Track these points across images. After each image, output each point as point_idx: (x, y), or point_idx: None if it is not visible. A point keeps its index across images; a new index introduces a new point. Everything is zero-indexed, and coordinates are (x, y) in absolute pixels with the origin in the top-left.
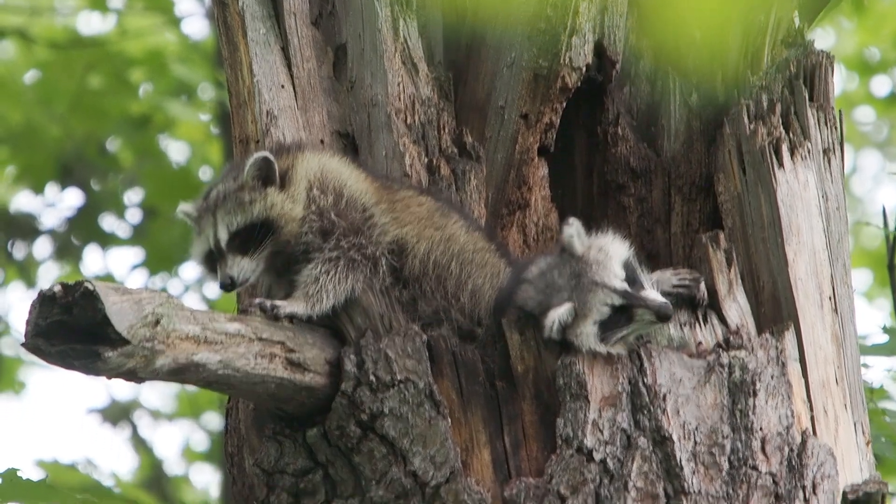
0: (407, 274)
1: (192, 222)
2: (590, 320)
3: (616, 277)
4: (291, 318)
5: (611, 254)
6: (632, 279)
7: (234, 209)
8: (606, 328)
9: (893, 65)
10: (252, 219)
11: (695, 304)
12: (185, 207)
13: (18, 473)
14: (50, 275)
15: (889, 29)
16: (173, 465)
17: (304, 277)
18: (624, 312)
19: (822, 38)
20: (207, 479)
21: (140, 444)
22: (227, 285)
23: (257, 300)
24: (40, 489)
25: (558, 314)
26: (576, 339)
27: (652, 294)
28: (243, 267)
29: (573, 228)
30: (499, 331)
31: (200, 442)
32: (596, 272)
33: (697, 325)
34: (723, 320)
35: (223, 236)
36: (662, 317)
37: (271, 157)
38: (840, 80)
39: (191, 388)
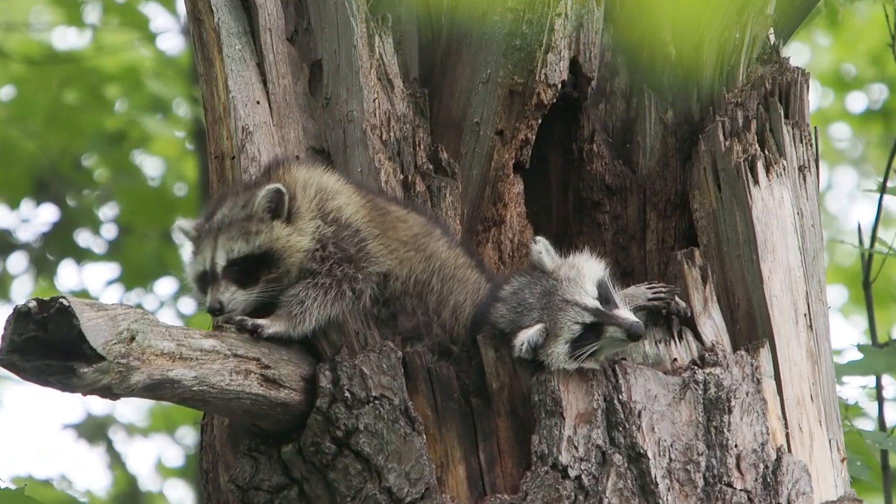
0: (388, 295)
1: (190, 240)
2: (561, 340)
3: (587, 295)
4: (272, 338)
5: (583, 272)
6: (605, 298)
7: (237, 236)
8: (576, 346)
9: (869, 81)
10: (254, 249)
11: (672, 316)
12: (183, 224)
13: None
14: (25, 290)
15: (865, 45)
16: (148, 480)
17: (290, 298)
18: (594, 330)
19: (798, 54)
20: (182, 495)
21: (115, 460)
22: (216, 310)
23: (238, 318)
24: (17, 500)
25: (528, 335)
26: (546, 358)
27: (624, 313)
28: (236, 297)
29: (541, 245)
30: (474, 347)
31: (175, 457)
32: (567, 290)
33: (672, 341)
34: (698, 337)
35: (220, 261)
36: (633, 336)
37: (284, 190)
38: (815, 97)
39: (165, 403)
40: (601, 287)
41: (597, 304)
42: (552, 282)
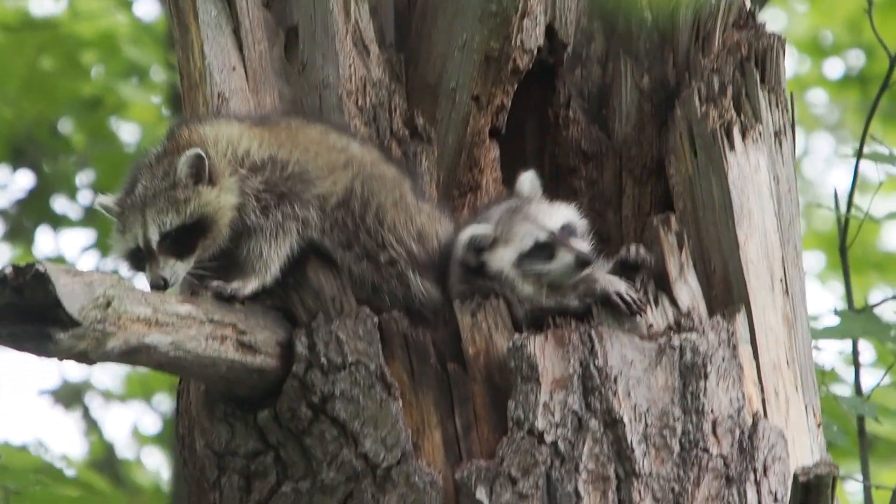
0: (329, 208)
1: (114, 216)
2: (511, 248)
3: (550, 220)
4: (247, 297)
5: (558, 207)
6: (568, 232)
7: (166, 208)
8: (524, 260)
9: (846, 48)
10: (185, 219)
11: (631, 265)
12: (103, 200)
13: None
14: (1, 256)
15: (842, 11)
16: (125, 446)
17: (248, 257)
18: (545, 251)
19: (774, 20)
20: (158, 461)
21: (92, 426)
22: (160, 286)
23: (214, 283)
24: None
25: (473, 229)
26: (490, 259)
27: (580, 244)
28: (176, 270)
29: (530, 174)
30: (450, 312)
31: (152, 424)
32: (532, 211)
33: (648, 307)
34: (674, 303)
35: (154, 236)
36: (581, 264)
37: (203, 155)
38: (792, 63)
39: (142, 369)
40: (568, 226)
41: (556, 228)
42: (522, 203)
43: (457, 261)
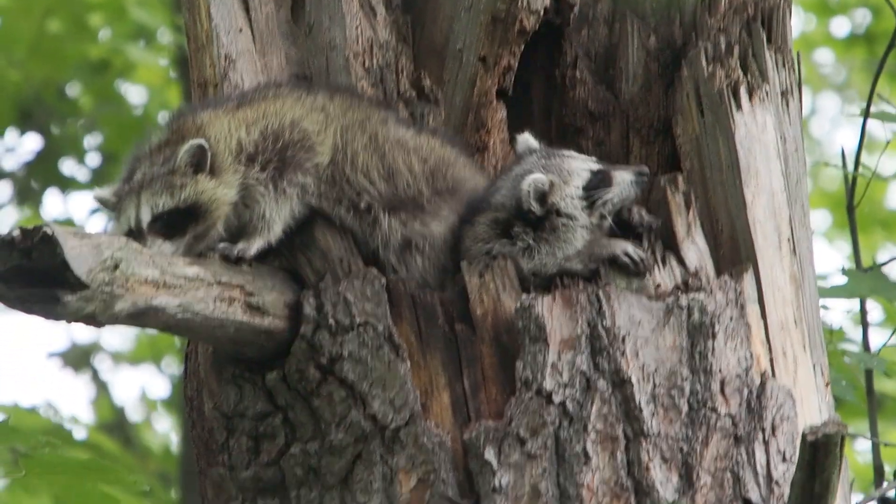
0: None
1: (109, 208)
2: (572, 184)
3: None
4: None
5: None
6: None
7: (161, 191)
8: (589, 192)
9: (852, 6)
10: (179, 203)
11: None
12: (100, 193)
13: None
14: (10, 219)
15: None
16: (134, 409)
17: (253, 217)
18: (601, 177)
19: None
20: (168, 423)
21: (101, 388)
22: None
23: (221, 245)
24: (1, 430)
25: (533, 178)
26: (562, 203)
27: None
28: (163, 250)
29: (527, 135)
30: (458, 273)
31: (161, 387)
32: (564, 151)
33: (656, 267)
34: (681, 262)
35: (145, 217)
36: (640, 174)
37: (206, 146)
38: (799, 22)
39: (151, 331)
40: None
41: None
42: (541, 152)
43: (501, 213)
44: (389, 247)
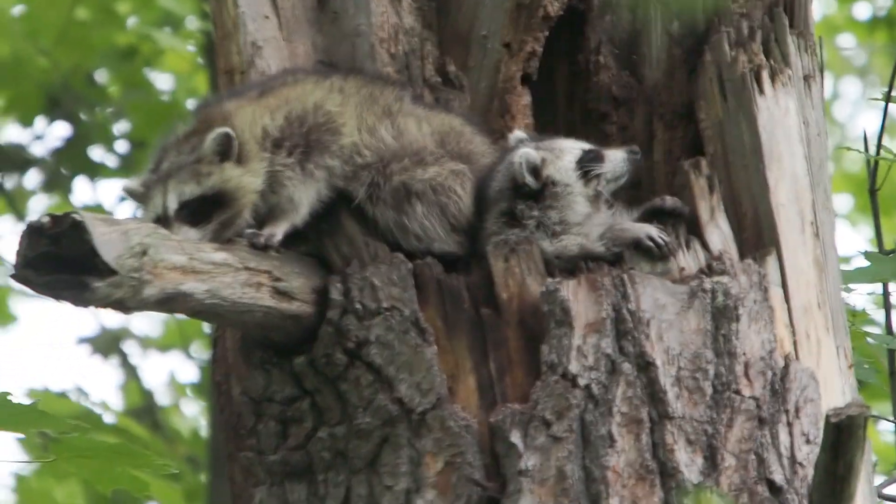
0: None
1: (138, 198)
2: (564, 158)
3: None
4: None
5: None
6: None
7: (188, 179)
8: (583, 165)
9: None
10: (205, 190)
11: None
12: (129, 184)
13: (9, 398)
14: (40, 206)
15: None
16: (163, 394)
17: (280, 201)
18: (593, 155)
19: None
20: (197, 408)
21: (131, 373)
22: None
23: (248, 232)
24: (31, 414)
25: (522, 152)
26: (557, 174)
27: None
28: (190, 237)
29: (516, 131)
30: (483, 258)
31: (190, 371)
32: (554, 142)
33: (680, 250)
34: (705, 246)
35: (172, 204)
36: (632, 152)
37: (232, 134)
38: (820, 6)
39: (179, 316)
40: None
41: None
42: (537, 137)
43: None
44: (385, 196)
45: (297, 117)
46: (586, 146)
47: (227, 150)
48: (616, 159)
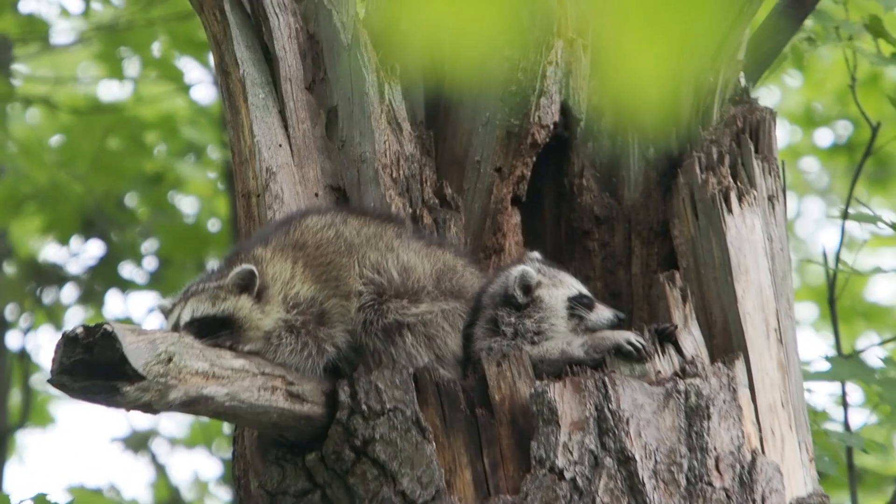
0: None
1: (166, 315)
2: (561, 289)
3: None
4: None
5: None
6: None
7: (205, 300)
8: (572, 305)
9: (834, 119)
10: (217, 312)
11: (664, 336)
12: (162, 302)
13: (48, 498)
14: (76, 317)
15: (830, 86)
16: (189, 490)
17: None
18: (586, 301)
19: (769, 96)
20: (221, 500)
21: (158, 470)
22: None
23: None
24: None
25: (521, 268)
26: (545, 296)
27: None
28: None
29: (536, 254)
30: (477, 363)
31: (213, 467)
32: (559, 273)
33: (657, 355)
34: (679, 351)
35: (185, 318)
36: (619, 319)
37: (256, 272)
38: (785, 133)
39: (202, 417)
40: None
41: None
42: (547, 262)
43: (490, 309)
44: (377, 330)
45: (319, 303)
46: (585, 291)
47: (248, 286)
48: (602, 316)
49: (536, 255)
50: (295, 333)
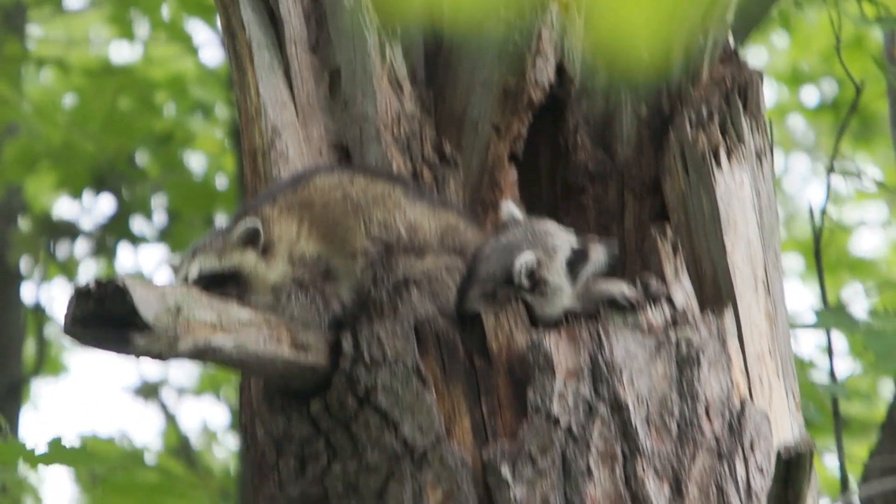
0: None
1: (175, 271)
2: (557, 259)
3: (561, 230)
4: None
5: (546, 220)
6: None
7: (211, 256)
8: (573, 268)
9: (820, 78)
10: (224, 268)
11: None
12: (171, 259)
13: (62, 442)
14: (89, 271)
15: (816, 46)
16: (197, 436)
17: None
18: (579, 253)
19: (757, 56)
20: (229, 446)
21: (168, 419)
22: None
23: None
24: (81, 456)
25: (522, 259)
26: (549, 277)
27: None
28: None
29: (509, 203)
30: (476, 315)
31: (221, 414)
32: (546, 224)
33: (648, 306)
34: (670, 302)
35: (193, 274)
36: (612, 253)
37: (260, 229)
38: (773, 92)
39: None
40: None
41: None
42: (529, 223)
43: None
44: (388, 286)
45: (324, 261)
46: (574, 241)
47: (252, 241)
48: (598, 259)
49: (511, 207)
50: (304, 289)
